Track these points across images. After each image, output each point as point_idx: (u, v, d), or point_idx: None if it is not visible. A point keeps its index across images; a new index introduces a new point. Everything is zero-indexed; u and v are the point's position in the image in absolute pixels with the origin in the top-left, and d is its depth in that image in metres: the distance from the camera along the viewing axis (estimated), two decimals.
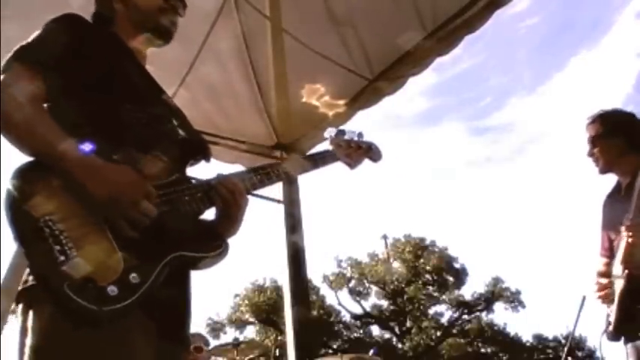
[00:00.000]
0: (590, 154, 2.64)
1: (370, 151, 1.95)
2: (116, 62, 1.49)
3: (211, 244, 1.40)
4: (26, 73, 1.34)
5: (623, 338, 2.46)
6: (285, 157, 4.69)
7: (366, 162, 1.96)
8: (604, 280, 2.51)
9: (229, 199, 1.44)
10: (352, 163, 1.89)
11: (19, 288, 1.27)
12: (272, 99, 4.45)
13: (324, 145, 1.90)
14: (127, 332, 1.20)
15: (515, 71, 36.41)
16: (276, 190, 4.46)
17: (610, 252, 2.64)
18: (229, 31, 4.15)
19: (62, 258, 1.13)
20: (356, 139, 1.92)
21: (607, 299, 2.47)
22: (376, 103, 4.23)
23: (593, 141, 2.62)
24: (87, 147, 1.28)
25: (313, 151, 1.85)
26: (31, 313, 1.23)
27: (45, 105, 1.37)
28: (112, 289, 1.14)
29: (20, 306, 1.26)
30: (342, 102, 4.04)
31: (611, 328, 2.44)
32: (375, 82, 4.17)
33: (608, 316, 2.51)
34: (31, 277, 1.24)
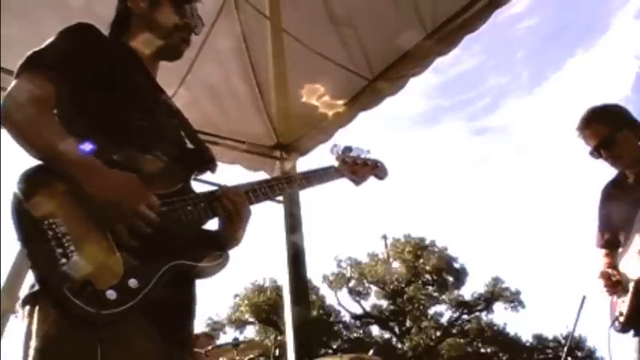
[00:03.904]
0: (608, 156, 2.51)
1: (376, 169, 1.97)
2: (125, 72, 1.51)
3: (212, 254, 1.41)
4: (36, 78, 1.37)
5: (632, 331, 2.40)
6: (285, 157, 4.69)
7: (372, 179, 1.98)
8: (613, 272, 2.43)
9: (232, 210, 1.45)
10: (357, 180, 1.91)
11: (27, 292, 1.28)
12: (272, 99, 4.45)
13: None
14: (128, 337, 1.21)
15: (513, 72, 36.47)
16: None
17: (611, 244, 2.58)
18: (229, 31, 4.14)
19: (63, 260, 1.15)
20: (363, 156, 1.94)
21: (616, 291, 2.41)
22: (378, 103, 4.21)
23: (608, 140, 2.50)
24: (90, 150, 1.31)
25: (318, 165, 1.86)
26: (35, 316, 1.24)
27: (55, 110, 1.39)
28: (111, 293, 1.16)
29: (26, 309, 1.28)
30: (341, 102, 4.05)
31: (622, 319, 2.37)
32: (375, 82, 4.16)
33: (614, 305, 2.44)
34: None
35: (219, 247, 1.44)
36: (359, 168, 1.91)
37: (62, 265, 1.14)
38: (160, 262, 1.28)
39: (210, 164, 1.59)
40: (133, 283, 1.20)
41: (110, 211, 1.24)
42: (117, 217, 1.25)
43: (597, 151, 2.54)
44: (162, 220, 1.31)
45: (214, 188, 1.49)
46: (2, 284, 3.09)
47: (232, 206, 1.45)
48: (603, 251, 2.64)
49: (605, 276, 2.45)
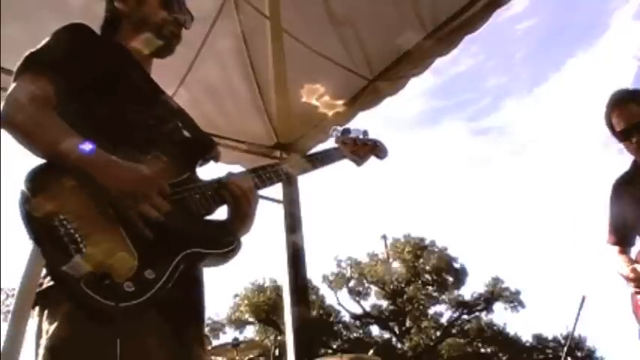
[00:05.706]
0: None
1: (376, 148, 2.00)
2: (120, 68, 1.52)
3: (223, 241, 1.42)
4: (36, 78, 1.37)
5: None
6: (285, 156, 4.69)
7: (372, 159, 2.01)
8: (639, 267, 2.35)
9: (240, 196, 1.46)
10: (359, 160, 1.94)
11: (36, 290, 1.27)
12: (272, 99, 4.45)
13: (325, 145, 1.93)
14: (140, 333, 1.21)
15: (512, 72, 36.44)
16: (276, 190, 4.46)
17: (626, 242, 2.50)
18: (229, 31, 4.14)
19: (78, 255, 1.14)
20: (361, 136, 1.97)
21: None
22: (377, 104, 4.22)
23: None
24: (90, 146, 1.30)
25: (317, 149, 1.88)
26: (45, 314, 1.25)
27: (54, 109, 1.38)
28: (129, 285, 1.16)
29: (36, 308, 1.28)
30: (341, 102, 4.05)
31: None
32: (374, 82, 4.17)
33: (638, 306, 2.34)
34: (46, 280, 1.26)
35: (229, 234, 1.44)
36: (359, 148, 1.94)
37: (77, 260, 1.14)
38: (173, 252, 1.28)
39: (212, 153, 1.59)
40: (149, 273, 1.20)
41: (123, 202, 1.24)
42: (129, 207, 1.25)
43: (628, 132, 2.37)
44: (173, 210, 1.31)
45: (220, 176, 1.49)
46: (18, 286, 3.09)
47: (240, 192, 1.46)
48: (616, 248, 2.54)
49: (636, 272, 2.35)
